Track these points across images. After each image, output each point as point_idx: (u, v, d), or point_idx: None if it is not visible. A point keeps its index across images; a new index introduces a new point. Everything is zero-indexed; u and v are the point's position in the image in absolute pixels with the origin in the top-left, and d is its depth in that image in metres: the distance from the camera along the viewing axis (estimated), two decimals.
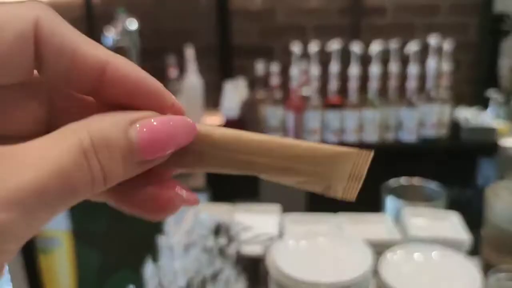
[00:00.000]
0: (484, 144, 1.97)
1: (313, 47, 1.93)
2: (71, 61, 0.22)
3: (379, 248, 0.80)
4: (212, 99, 2.18)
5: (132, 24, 1.83)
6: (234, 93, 1.95)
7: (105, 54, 0.23)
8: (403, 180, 1.04)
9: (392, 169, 1.89)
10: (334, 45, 1.93)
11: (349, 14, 2.07)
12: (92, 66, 0.22)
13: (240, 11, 2.07)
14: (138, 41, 1.86)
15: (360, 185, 0.25)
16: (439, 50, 1.99)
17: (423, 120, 1.95)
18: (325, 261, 0.76)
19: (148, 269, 0.64)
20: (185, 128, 0.24)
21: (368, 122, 1.95)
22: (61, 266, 1.74)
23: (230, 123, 1.94)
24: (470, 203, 2.00)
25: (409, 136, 1.97)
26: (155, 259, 0.68)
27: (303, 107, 1.96)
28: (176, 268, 0.63)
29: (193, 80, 1.98)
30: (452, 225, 0.89)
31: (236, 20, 2.08)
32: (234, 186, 2.07)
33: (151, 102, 0.23)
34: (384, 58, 2.05)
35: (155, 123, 0.22)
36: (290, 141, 0.25)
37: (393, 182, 1.03)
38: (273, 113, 1.96)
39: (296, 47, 1.92)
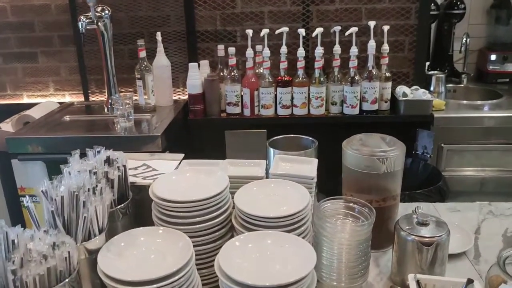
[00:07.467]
0: (420, 117, 2.20)
1: (266, 31, 2.18)
2: None
3: (246, 182, 1.06)
4: (181, 78, 2.46)
5: (105, 11, 2.12)
6: (198, 72, 2.22)
7: None
8: (284, 136, 1.29)
9: (337, 140, 2.15)
10: (284, 29, 2.18)
11: (301, 1, 2.31)
12: None
13: (204, 0, 2.33)
14: (111, 27, 2.15)
15: None
16: (380, 33, 2.23)
17: (364, 96, 2.19)
18: (190, 187, 1.00)
19: (44, 184, 0.85)
20: None
21: (315, 98, 2.20)
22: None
23: (193, 98, 2.22)
24: (410, 169, 2.24)
25: (351, 110, 2.21)
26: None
27: (257, 85, 2.22)
28: (63, 183, 0.85)
29: (162, 60, 2.26)
30: (310, 167, 1.14)
31: (201, 8, 2.34)
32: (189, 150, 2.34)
33: None
34: (330, 40, 2.29)
35: None
36: None
37: (276, 138, 1.29)
38: (231, 90, 2.23)
39: (250, 32, 2.18)
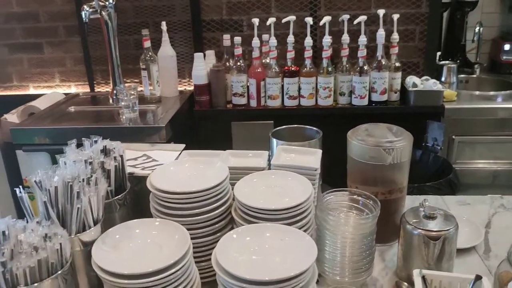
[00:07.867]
0: (430, 107, 2.15)
1: (272, 20, 2.14)
2: None
3: (247, 174, 1.03)
4: (186, 68, 2.43)
5: (109, 0, 2.09)
6: (203, 62, 2.18)
7: None
8: (288, 126, 1.25)
9: (345, 131, 2.11)
10: (291, 18, 2.13)
11: None
12: None
13: None
14: (115, 16, 2.12)
15: None
16: (390, 22, 2.17)
17: (373, 86, 2.15)
18: (189, 178, 0.97)
19: (38, 174, 0.84)
20: None
21: (323, 88, 2.16)
22: None
23: (199, 89, 2.19)
24: (420, 161, 2.19)
25: (360, 100, 2.17)
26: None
27: (264, 75, 2.18)
28: (58, 173, 0.83)
29: (167, 50, 2.23)
30: (314, 158, 1.10)
31: None
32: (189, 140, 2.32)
33: None
34: (338, 29, 2.24)
35: None
36: None
37: (280, 128, 1.25)
38: (237, 81, 2.19)
39: (256, 21, 2.14)
